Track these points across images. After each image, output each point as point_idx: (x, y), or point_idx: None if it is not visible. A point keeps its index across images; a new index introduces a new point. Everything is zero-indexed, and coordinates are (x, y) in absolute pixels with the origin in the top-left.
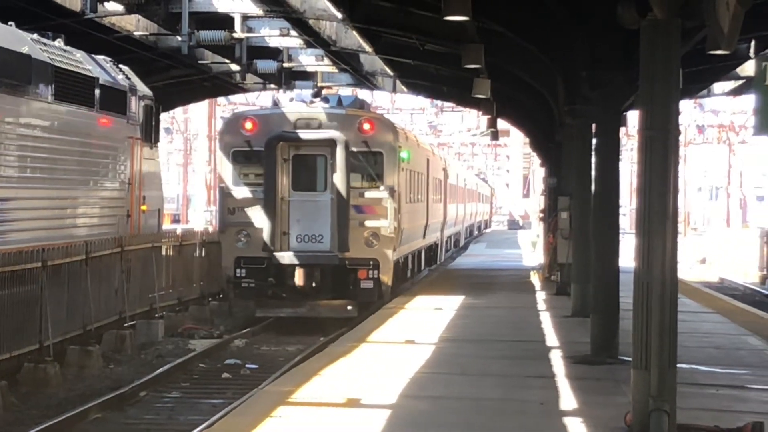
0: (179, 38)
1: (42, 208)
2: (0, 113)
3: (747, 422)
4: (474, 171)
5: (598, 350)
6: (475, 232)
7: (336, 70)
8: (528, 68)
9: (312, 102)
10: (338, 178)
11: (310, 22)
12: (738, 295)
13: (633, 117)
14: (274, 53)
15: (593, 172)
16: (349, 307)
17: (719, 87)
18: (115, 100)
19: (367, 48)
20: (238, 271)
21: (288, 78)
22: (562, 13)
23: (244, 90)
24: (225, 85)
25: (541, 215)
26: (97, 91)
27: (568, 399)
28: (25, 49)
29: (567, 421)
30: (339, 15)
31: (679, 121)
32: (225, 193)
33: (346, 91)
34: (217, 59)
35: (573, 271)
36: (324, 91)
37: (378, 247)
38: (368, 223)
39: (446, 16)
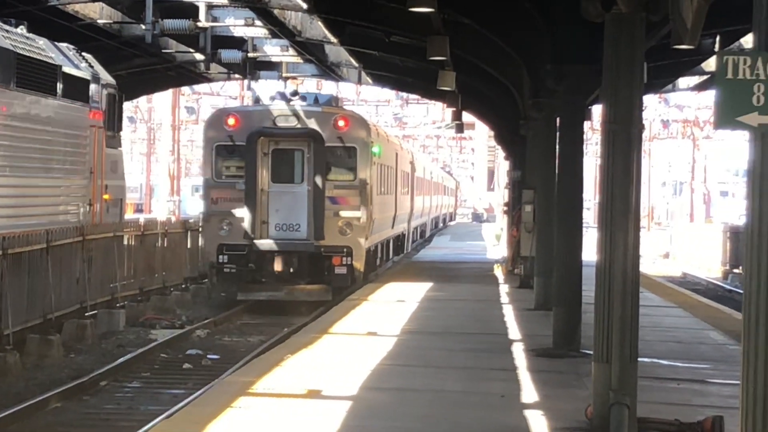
0: (143, 27)
1: (2, 197)
2: None
3: (707, 416)
4: (439, 164)
5: (560, 343)
6: (440, 225)
7: (301, 61)
8: (493, 61)
9: (291, 100)
10: (315, 171)
11: (275, 12)
12: (701, 290)
13: (598, 111)
14: (238, 43)
15: (557, 166)
16: (324, 291)
17: (684, 82)
18: (77, 89)
19: (332, 39)
20: (220, 257)
21: (252, 68)
22: (528, 5)
23: (209, 79)
24: (189, 75)
25: (505, 208)
26: (59, 79)
27: (529, 392)
28: None
29: (528, 413)
30: (304, 5)
31: (644, 116)
32: (209, 185)
33: (311, 83)
34: (181, 48)
35: (536, 264)
36: (298, 87)
37: (351, 235)
38: (342, 213)
39: (411, 8)
